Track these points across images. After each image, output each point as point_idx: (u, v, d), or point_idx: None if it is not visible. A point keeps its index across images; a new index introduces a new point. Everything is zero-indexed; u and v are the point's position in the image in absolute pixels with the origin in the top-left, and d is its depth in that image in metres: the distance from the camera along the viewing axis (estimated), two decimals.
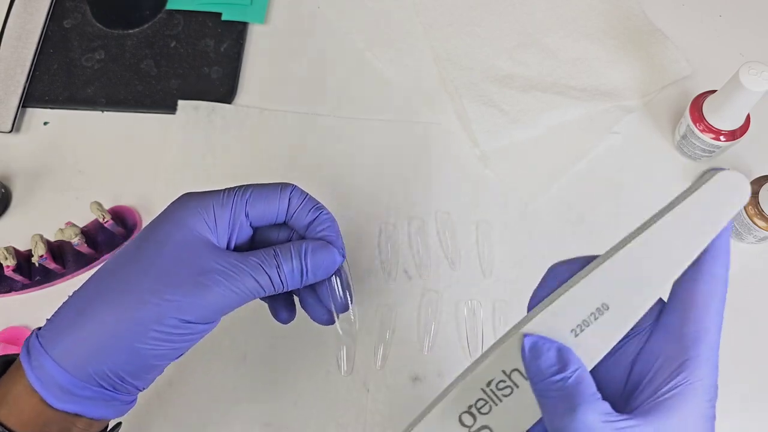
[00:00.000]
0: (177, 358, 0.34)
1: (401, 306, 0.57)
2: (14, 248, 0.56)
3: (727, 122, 0.57)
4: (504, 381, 0.29)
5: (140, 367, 0.32)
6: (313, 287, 0.38)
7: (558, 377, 0.27)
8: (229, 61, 0.68)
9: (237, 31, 0.70)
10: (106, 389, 0.32)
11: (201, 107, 0.65)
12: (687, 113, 0.59)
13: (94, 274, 0.34)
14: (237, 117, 0.65)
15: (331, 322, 0.40)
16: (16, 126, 0.65)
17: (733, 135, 0.57)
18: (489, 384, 0.29)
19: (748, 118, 0.57)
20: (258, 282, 0.33)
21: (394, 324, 0.56)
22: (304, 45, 0.70)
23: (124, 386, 0.33)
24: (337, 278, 0.38)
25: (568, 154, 0.63)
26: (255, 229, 0.37)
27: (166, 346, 0.32)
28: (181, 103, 0.66)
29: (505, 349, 0.29)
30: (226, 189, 0.35)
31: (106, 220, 0.57)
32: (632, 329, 0.28)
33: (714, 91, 0.58)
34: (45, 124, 0.66)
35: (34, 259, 0.56)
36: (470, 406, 0.29)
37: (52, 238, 0.58)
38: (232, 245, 0.35)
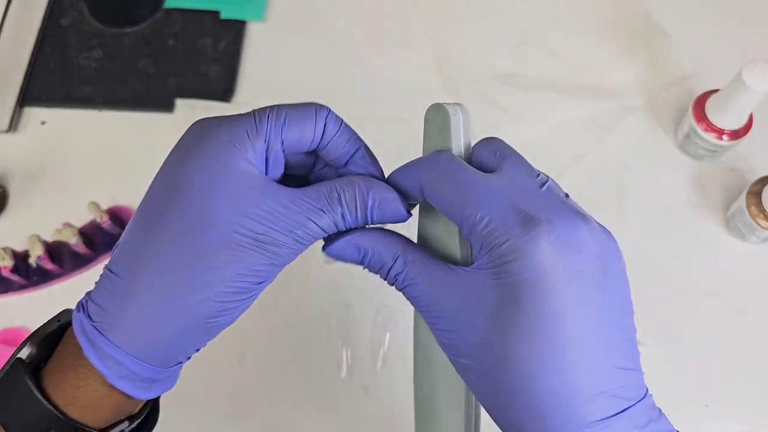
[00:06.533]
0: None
1: (402, 307, 0.56)
2: (11, 249, 0.56)
3: (730, 121, 0.56)
4: None
5: (202, 336, 0.28)
6: None
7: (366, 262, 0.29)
8: (227, 59, 0.68)
9: (235, 30, 0.70)
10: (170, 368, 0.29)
11: (199, 106, 0.65)
12: (690, 112, 0.59)
13: (126, 239, 0.28)
14: None
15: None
16: (13, 125, 0.65)
17: (736, 134, 0.57)
18: None
19: (750, 117, 0.57)
20: (320, 226, 0.28)
21: (394, 325, 0.56)
22: (303, 43, 0.69)
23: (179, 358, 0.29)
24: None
25: (570, 154, 0.63)
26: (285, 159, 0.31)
27: (232, 312, 0.28)
28: (179, 102, 0.65)
29: None
30: (254, 112, 0.29)
31: (103, 220, 0.57)
32: None
33: (717, 90, 0.57)
34: (42, 123, 0.66)
35: (32, 260, 0.56)
36: None
37: (49, 239, 0.57)
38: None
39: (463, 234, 0.27)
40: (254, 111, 0.29)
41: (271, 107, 0.29)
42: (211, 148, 0.27)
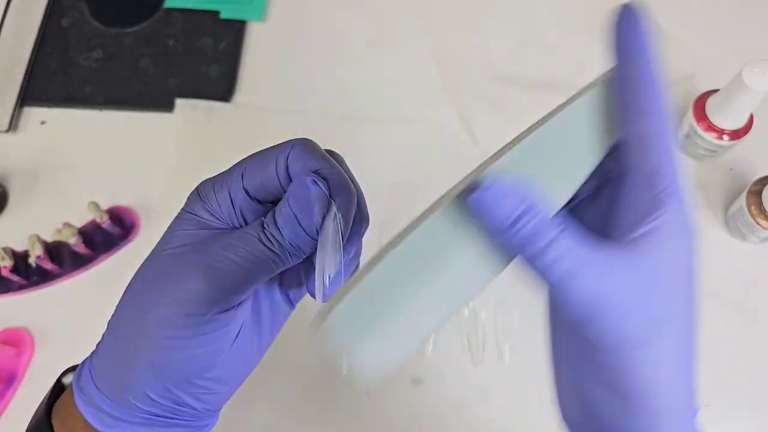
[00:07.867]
0: (227, 369, 0.29)
1: None
2: (11, 249, 0.56)
3: (730, 121, 0.56)
4: None
5: (176, 384, 0.28)
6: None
7: (518, 225, 0.22)
8: (227, 59, 0.68)
9: (235, 30, 0.70)
10: (159, 415, 0.28)
11: (199, 106, 0.65)
12: (690, 112, 0.59)
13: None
14: (236, 116, 0.65)
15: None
16: (13, 125, 0.65)
17: (737, 134, 0.57)
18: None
19: (751, 117, 0.57)
20: (248, 246, 0.28)
21: None
22: (303, 43, 0.69)
23: (180, 409, 0.28)
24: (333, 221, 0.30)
25: None
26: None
27: (187, 354, 0.27)
28: (179, 102, 0.65)
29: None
30: (232, 167, 0.30)
31: (103, 220, 0.57)
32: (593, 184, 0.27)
33: (717, 90, 0.57)
34: (42, 123, 0.66)
35: (31, 260, 0.56)
36: None
37: (49, 239, 0.57)
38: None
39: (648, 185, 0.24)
40: (233, 165, 0.30)
41: (240, 161, 0.30)
42: (188, 203, 0.30)
